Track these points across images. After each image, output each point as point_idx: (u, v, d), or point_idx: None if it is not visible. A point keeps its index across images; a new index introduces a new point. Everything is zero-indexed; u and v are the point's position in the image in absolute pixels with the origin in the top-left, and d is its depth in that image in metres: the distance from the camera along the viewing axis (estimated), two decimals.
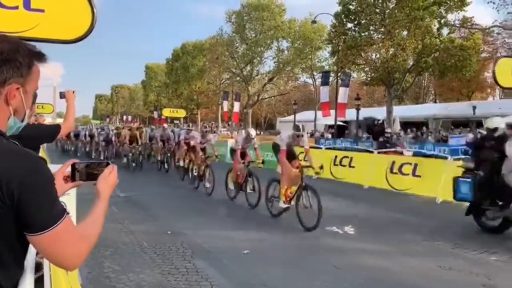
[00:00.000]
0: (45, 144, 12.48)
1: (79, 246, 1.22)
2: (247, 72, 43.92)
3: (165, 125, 18.26)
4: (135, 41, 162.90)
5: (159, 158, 15.81)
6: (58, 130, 3.38)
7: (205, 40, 48.79)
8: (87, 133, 22.50)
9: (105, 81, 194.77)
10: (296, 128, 8.09)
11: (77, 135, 23.53)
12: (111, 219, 6.81)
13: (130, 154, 15.28)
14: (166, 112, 27.76)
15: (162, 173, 15.11)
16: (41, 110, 19.30)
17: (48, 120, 16.79)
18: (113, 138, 17.76)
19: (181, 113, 27.25)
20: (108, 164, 1.43)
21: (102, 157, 18.12)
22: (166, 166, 15.23)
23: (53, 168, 1.28)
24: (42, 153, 6.73)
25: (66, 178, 1.44)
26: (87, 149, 22.09)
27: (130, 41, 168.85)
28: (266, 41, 42.22)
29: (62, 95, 3.66)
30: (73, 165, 1.43)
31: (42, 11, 3.59)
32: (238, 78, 44.95)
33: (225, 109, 39.38)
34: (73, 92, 3.61)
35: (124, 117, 78.60)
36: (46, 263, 1.78)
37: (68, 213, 1.19)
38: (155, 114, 50.92)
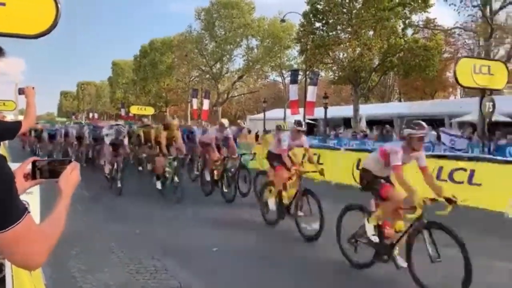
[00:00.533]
0: (6, 142, 12.07)
1: (41, 245, 1.19)
2: (216, 70, 43.78)
3: (224, 120, 10.43)
4: (101, 37, 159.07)
5: (214, 176, 9.42)
6: (19, 127, 3.30)
7: (174, 37, 48.21)
8: (73, 132, 16.72)
9: (70, 78, 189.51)
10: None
11: (52, 136, 18.48)
12: (76, 217, 6.66)
13: (168, 170, 9.38)
14: (134, 110, 27.41)
15: (221, 203, 8.80)
16: (3, 107, 18.68)
17: (10, 117, 16.27)
18: (125, 142, 11.09)
19: (149, 110, 26.95)
20: (70, 161, 1.41)
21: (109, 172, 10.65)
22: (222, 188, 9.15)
23: (13, 166, 1.25)
24: (2, 150, 6.52)
25: (26, 176, 1.41)
26: (71, 153, 15.95)
27: (96, 37, 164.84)
28: (235, 39, 42.21)
29: (21, 91, 3.59)
30: (33, 163, 1.40)
31: (3, 4, 3.49)
32: (207, 76, 44.74)
33: (195, 106, 39.03)
34: (33, 88, 3.54)
35: (91, 115, 76.77)
36: (8, 264, 1.74)
37: (29, 212, 1.17)
38: (122, 112, 49.96)
